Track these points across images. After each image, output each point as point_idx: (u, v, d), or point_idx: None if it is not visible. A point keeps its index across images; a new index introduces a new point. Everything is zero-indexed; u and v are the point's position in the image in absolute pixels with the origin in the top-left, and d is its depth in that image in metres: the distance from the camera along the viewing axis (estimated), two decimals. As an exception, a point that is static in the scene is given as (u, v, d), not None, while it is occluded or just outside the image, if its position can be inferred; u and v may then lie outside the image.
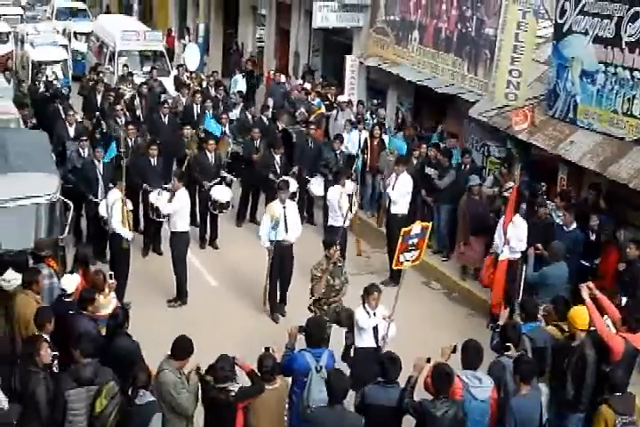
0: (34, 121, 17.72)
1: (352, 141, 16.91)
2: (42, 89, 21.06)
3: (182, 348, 8.25)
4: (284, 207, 12.92)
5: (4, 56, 26.36)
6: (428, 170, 15.29)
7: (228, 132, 17.64)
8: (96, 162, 14.44)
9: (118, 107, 17.90)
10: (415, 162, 15.66)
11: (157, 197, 13.95)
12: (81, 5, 36.87)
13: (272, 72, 23.86)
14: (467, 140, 16.74)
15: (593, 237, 12.59)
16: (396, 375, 8.12)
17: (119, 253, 12.95)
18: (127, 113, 18.15)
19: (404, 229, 10.05)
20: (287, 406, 8.74)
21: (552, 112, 14.52)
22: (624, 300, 10.66)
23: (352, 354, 10.40)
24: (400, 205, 14.25)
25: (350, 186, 14.40)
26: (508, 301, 12.70)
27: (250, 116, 18.40)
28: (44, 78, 22.11)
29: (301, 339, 9.03)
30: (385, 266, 14.22)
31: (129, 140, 15.95)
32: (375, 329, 10.06)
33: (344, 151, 16.72)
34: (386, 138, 16.93)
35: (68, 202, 12.65)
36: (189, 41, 28.80)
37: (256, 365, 8.25)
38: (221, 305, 13.26)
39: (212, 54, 30.01)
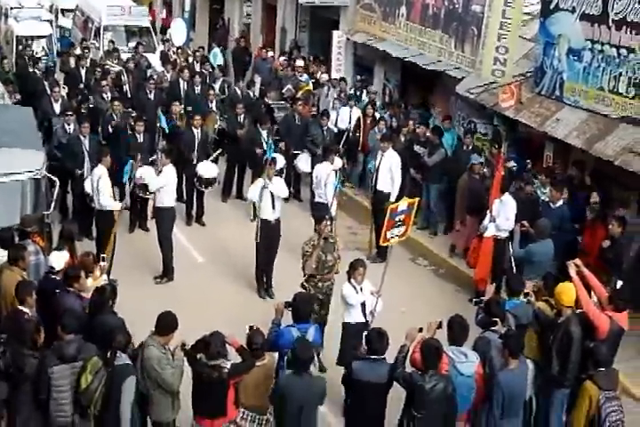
0: (18, 97, 17.57)
1: (342, 117, 16.84)
2: (28, 64, 20.85)
3: (166, 323, 8.21)
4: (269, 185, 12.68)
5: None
6: (417, 148, 15.27)
7: (214, 108, 17.59)
8: (82, 137, 14.37)
9: (104, 82, 17.80)
10: (403, 139, 15.64)
11: (142, 174, 13.82)
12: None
13: (262, 49, 23.76)
14: (454, 116, 16.73)
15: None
16: (384, 351, 8.14)
17: (105, 231, 12.91)
18: (114, 88, 18.05)
19: (390, 206, 10.06)
20: (274, 380, 8.77)
21: (539, 89, 14.51)
22: (619, 283, 10.70)
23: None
24: (385, 182, 14.24)
25: (338, 162, 14.39)
26: (495, 277, 12.77)
27: (239, 92, 18.31)
28: (30, 53, 21.91)
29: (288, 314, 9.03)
30: (369, 242, 14.24)
31: (114, 116, 15.86)
32: (363, 305, 10.07)
33: (331, 128, 16.70)
34: (377, 116, 16.89)
35: (54, 178, 12.58)
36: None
37: (245, 341, 8.26)
38: (208, 282, 13.25)
39: (199, 30, 29.80)
